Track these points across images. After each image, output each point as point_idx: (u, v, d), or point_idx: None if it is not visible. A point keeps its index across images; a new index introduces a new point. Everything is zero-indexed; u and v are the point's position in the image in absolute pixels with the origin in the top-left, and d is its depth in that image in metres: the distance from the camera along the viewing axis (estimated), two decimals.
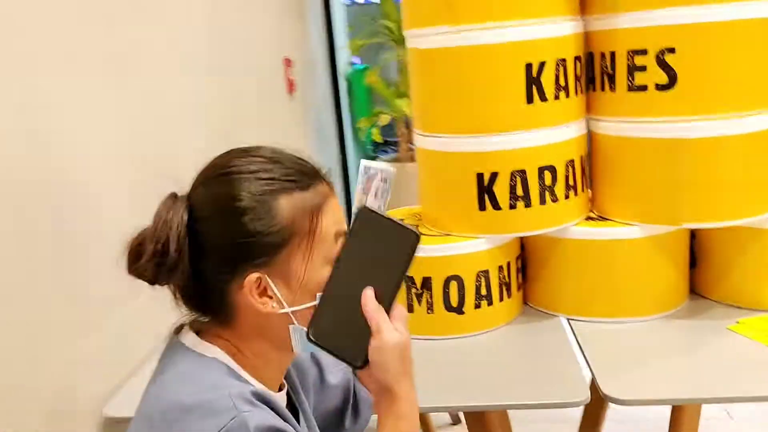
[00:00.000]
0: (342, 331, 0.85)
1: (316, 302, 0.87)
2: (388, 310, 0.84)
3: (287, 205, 0.84)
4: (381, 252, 0.85)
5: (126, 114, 1.58)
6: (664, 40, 1.40)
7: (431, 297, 1.54)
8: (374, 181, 1.35)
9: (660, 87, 1.43)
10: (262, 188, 0.84)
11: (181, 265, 0.83)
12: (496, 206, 1.51)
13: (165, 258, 0.82)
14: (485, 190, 1.51)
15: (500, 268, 1.58)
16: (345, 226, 0.91)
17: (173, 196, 0.87)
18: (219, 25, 2.30)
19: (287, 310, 0.85)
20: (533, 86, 1.45)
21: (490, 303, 1.57)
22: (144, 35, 1.70)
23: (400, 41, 3.29)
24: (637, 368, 1.37)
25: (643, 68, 1.44)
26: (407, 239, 0.84)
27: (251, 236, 0.83)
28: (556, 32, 1.46)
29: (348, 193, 3.99)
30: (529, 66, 1.44)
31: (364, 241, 0.86)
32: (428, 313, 1.55)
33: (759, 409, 2.46)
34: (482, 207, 1.52)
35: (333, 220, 0.89)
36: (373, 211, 0.87)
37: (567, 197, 1.54)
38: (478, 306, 1.56)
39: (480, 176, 1.50)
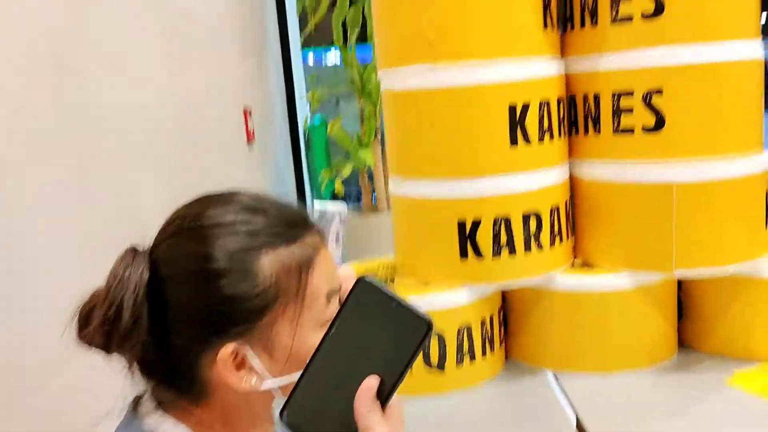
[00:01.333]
0: (323, 420, 0.68)
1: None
2: (383, 405, 0.66)
3: (270, 262, 0.71)
4: (381, 335, 0.67)
5: (78, 164, 1.44)
6: (652, 81, 1.36)
7: (428, 347, 1.42)
8: (332, 225, 1.24)
9: (647, 129, 1.38)
10: (241, 245, 0.71)
11: (136, 334, 0.68)
12: (478, 254, 1.41)
13: (117, 324, 0.67)
14: (467, 237, 1.41)
15: (483, 322, 1.47)
16: (338, 283, 0.78)
17: (132, 251, 0.72)
18: (178, 74, 2.19)
19: (270, 385, 0.71)
20: (517, 128, 1.38)
21: (472, 358, 1.46)
22: (102, 84, 1.58)
23: (362, 91, 3.24)
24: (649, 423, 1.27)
25: (629, 110, 1.39)
26: (417, 326, 0.66)
27: (227, 302, 0.69)
28: (540, 72, 1.40)
29: None
30: (512, 108, 1.37)
31: (362, 317, 0.68)
32: (425, 363, 1.43)
33: None
34: (464, 255, 1.42)
35: (325, 277, 0.75)
36: (374, 284, 0.69)
37: (552, 244, 1.46)
38: (459, 362, 1.45)
39: (462, 223, 1.41)
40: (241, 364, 0.70)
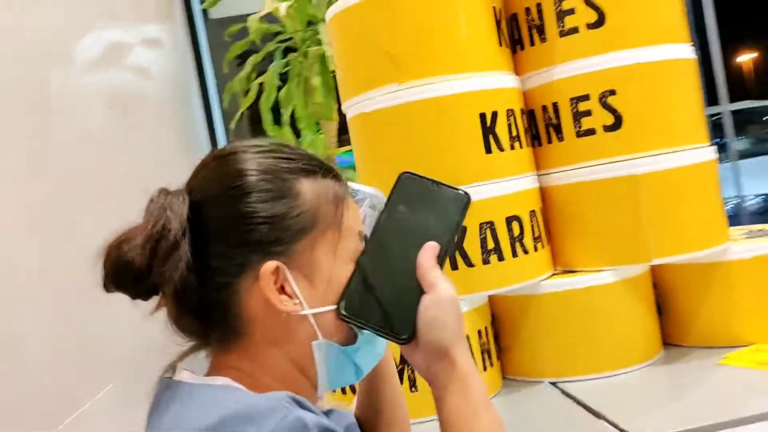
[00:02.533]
0: (381, 302, 0.72)
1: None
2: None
3: (310, 187, 0.72)
4: (425, 216, 0.77)
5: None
6: (605, 83, 1.46)
7: (413, 373, 1.38)
8: (362, 207, 1.23)
9: (607, 128, 1.46)
10: (277, 165, 0.72)
11: (179, 254, 0.65)
12: (468, 263, 1.42)
13: (162, 241, 0.66)
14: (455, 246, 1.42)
15: (479, 333, 1.46)
16: (364, 231, 0.78)
17: (164, 191, 0.72)
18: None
19: (309, 312, 0.69)
20: (489, 136, 1.44)
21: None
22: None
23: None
24: (655, 409, 1.26)
25: (588, 113, 1.48)
26: (457, 200, 0.78)
27: (266, 219, 0.68)
28: (502, 84, 1.48)
29: None
30: (483, 115, 1.43)
31: (406, 206, 0.77)
32: (412, 391, 1.38)
33: None
34: (454, 266, 1.42)
35: (355, 217, 0.77)
36: (415, 175, 0.80)
37: (536, 249, 1.49)
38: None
39: None
40: (281, 289, 0.69)
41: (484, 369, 1.46)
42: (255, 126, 3.68)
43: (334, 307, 0.71)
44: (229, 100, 3.57)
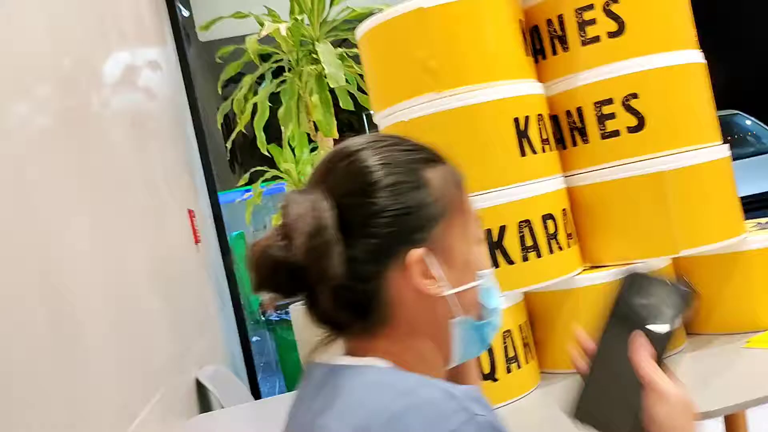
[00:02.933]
0: (608, 403, 0.77)
1: (478, 282, 0.78)
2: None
3: (436, 175, 0.77)
4: (649, 314, 0.79)
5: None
6: (628, 87, 1.55)
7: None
8: None
9: (631, 129, 1.56)
10: (408, 158, 0.77)
11: (336, 247, 0.70)
12: (509, 261, 1.49)
13: (320, 237, 0.70)
14: (495, 245, 1.49)
15: (520, 327, 1.53)
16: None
17: (298, 192, 0.77)
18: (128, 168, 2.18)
19: (452, 292, 0.75)
20: (523, 139, 1.51)
21: (519, 366, 1.50)
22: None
23: (298, 183, 3.32)
24: (697, 390, 1.34)
25: (611, 116, 1.57)
26: (683, 298, 0.80)
27: (407, 210, 0.74)
28: (531, 90, 1.57)
29: (247, 352, 3.75)
30: (516, 120, 1.51)
31: (632, 305, 0.81)
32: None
33: None
34: (495, 264, 1.49)
35: (470, 200, 0.83)
36: (642, 274, 0.83)
37: (569, 246, 1.57)
38: (509, 370, 1.48)
39: (488, 232, 1.49)
40: (425, 273, 0.74)
41: (527, 362, 1.52)
42: (250, 145, 3.72)
43: (474, 284, 0.77)
44: (221, 122, 3.62)
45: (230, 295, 3.79)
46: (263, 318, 4.82)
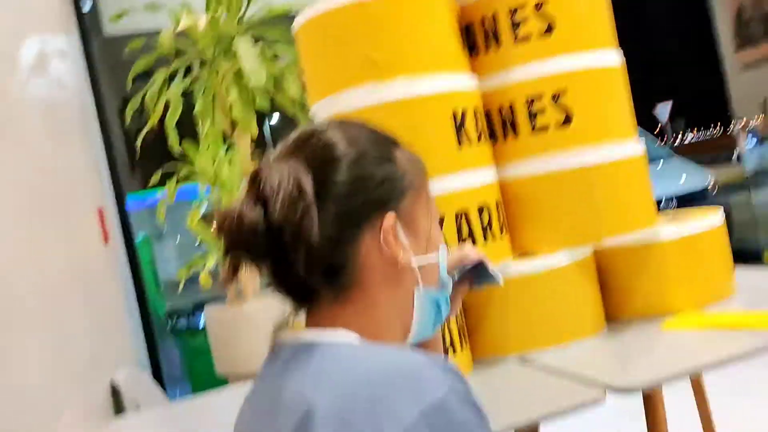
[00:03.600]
0: None
1: (438, 256, 0.83)
2: None
3: (402, 155, 0.83)
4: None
5: None
6: (557, 84, 1.63)
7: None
8: None
9: (559, 124, 1.64)
10: (378, 135, 0.83)
11: (315, 210, 0.73)
12: None
13: (301, 198, 0.72)
14: None
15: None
16: None
17: (273, 161, 0.78)
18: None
19: (417, 262, 0.79)
20: (461, 131, 1.56)
21: (455, 351, 1.53)
22: None
23: (216, 180, 3.24)
24: (626, 366, 1.42)
25: (542, 111, 1.64)
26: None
27: (383, 179, 0.78)
28: (468, 84, 1.62)
29: (154, 354, 3.62)
30: (454, 113, 1.55)
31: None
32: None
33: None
34: None
35: (430, 188, 0.87)
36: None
37: (501, 235, 1.62)
38: (445, 354, 1.51)
39: None
40: (395, 238, 0.77)
41: (461, 348, 1.56)
42: (159, 143, 3.60)
43: (436, 257, 0.81)
44: (132, 114, 3.48)
45: (137, 299, 3.66)
46: (169, 325, 4.66)
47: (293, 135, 0.82)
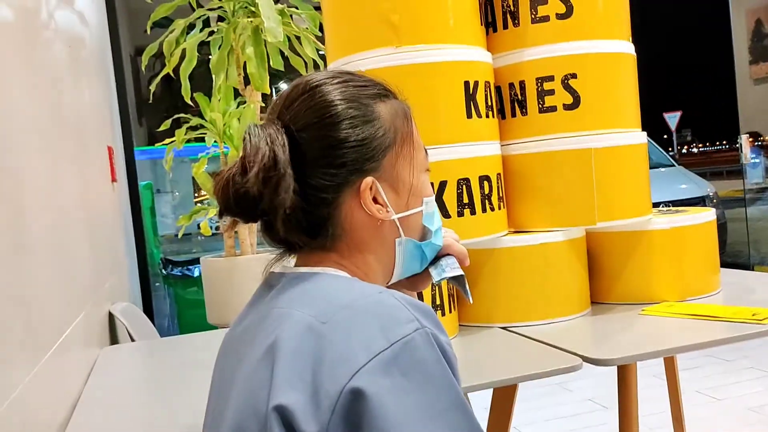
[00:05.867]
0: None
1: (422, 208, 0.86)
2: None
3: (385, 109, 0.84)
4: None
5: None
6: (568, 67, 1.68)
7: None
8: None
9: (567, 107, 1.68)
10: (362, 93, 0.84)
11: (289, 178, 0.76)
12: (446, 215, 1.58)
13: (274, 170, 0.76)
14: (435, 199, 1.57)
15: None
16: None
17: (258, 126, 0.82)
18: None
19: (399, 215, 0.84)
20: (471, 102, 1.61)
21: (443, 314, 1.59)
22: None
23: (224, 135, 3.28)
24: (603, 342, 1.49)
25: (551, 92, 1.69)
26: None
27: (361, 141, 0.81)
28: (483, 58, 1.66)
29: (147, 296, 3.67)
30: (467, 83, 1.60)
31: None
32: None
33: None
34: None
35: (417, 131, 0.90)
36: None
37: (499, 207, 1.68)
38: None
39: (431, 185, 1.57)
40: (375, 198, 0.82)
41: (450, 312, 1.62)
42: (172, 90, 3.63)
43: (418, 209, 0.86)
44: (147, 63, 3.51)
45: (135, 242, 3.71)
46: (163, 272, 4.72)
47: (285, 92, 0.85)
